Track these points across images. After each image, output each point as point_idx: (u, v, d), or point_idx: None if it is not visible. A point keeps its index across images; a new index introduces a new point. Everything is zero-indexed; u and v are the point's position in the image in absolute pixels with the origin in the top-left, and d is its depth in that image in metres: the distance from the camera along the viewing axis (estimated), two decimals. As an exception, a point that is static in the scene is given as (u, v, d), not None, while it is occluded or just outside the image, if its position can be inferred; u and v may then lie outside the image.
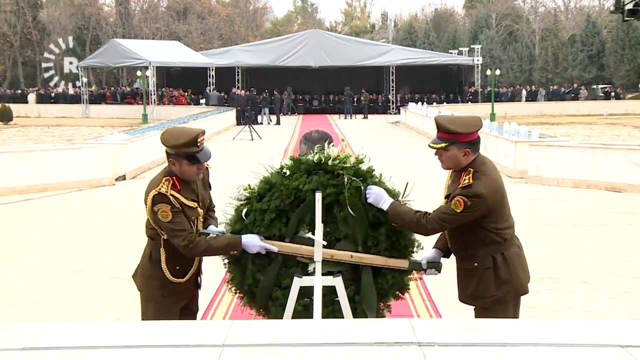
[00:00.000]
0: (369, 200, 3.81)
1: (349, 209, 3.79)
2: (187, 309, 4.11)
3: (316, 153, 3.87)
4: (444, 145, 3.82)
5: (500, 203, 3.87)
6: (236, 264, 3.89)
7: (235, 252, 3.82)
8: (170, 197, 3.79)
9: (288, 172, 3.85)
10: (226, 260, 3.94)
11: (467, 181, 3.77)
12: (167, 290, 3.94)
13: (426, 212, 3.88)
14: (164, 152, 3.91)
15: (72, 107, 44.42)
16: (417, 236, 3.95)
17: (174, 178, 3.85)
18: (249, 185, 3.90)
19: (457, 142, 3.79)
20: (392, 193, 3.89)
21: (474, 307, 4.00)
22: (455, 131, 3.79)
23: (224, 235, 3.88)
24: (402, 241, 3.86)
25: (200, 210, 3.98)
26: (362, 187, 3.81)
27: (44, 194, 13.24)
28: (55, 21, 64.02)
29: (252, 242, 3.81)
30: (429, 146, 3.91)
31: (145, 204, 3.84)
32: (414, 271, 3.95)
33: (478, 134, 3.88)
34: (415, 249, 3.93)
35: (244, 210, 3.85)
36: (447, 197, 3.90)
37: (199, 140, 3.82)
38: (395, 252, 3.86)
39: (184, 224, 3.81)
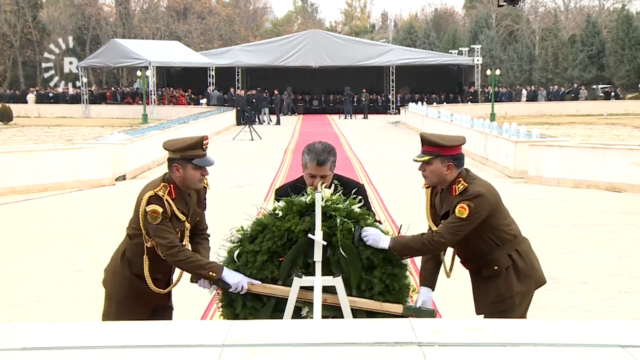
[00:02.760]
0: (368, 243, 3.78)
1: (342, 251, 3.77)
2: (161, 308, 4.09)
3: (309, 194, 3.86)
4: (427, 158, 3.86)
5: (499, 199, 3.93)
6: (229, 307, 3.87)
7: (214, 274, 3.75)
8: (165, 201, 3.80)
9: (280, 214, 3.83)
10: (220, 304, 3.93)
11: (461, 187, 3.81)
12: (133, 292, 3.91)
13: (430, 230, 3.89)
14: (167, 159, 3.90)
15: (72, 107, 44.41)
16: (411, 280, 3.93)
17: (172, 186, 3.85)
18: (242, 226, 3.89)
19: (440, 154, 3.84)
20: (387, 234, 3.87)
21: (495, 310, 3.93)
22: (438, 143, 3.86)
23: (204, 261, 3.85)
24: (396, 285, 3.82)
25: (188, 225, 3.96)
26: (354, 229, 3.79)
27: (44, 194, 13.24)
28: (55, 21, 63.96)
29: (234, 273, 3.77)
30: (414, 160, 3.94)
31: (138, 204, 3.84)
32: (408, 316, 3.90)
33: (461, 150, 3.93)
34: (409, 293, 3.90)
35: (236, 252, 3.84)
36: (444, 215, 3.90)
37: (204, 143, 3.86)
38: (390, 296, 3.82)
39: (171, 229, 3.80)
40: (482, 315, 4.00)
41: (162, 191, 3.81)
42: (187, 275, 3.99)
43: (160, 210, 3.77)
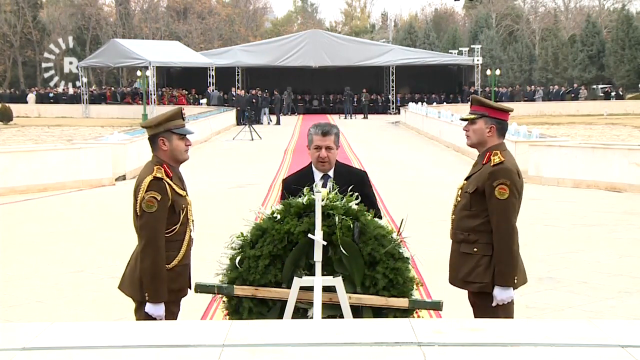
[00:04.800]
0: (503, 303, 3.89)
1: (342, 249, 3.78)
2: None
3: (306, 195, 3.87)
4: (473, 117, 4.04)
5: (521, 187, 4.00)
6: (235, 313, 3.89)
7: (147, 298, 3.83)
8: (166, 184, 3.85)
9: (279, 217, 3.85)
10: (226, 311, 3.95)
11: (497, 159, 3.91)
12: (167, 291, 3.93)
13: (492, 231, 3.90)
14: (149, 139, 4.00)
15: (72, 107, 44.40)
16: (414, 273, 3.97)
17: (164, 166, 3.91)
18: (241, 232, 3.91)
19: (485, 115, 4.01)
20: (385, 230, 3.88)
21: (467, 290, 4.08)
22: (486, 103, 4.06)
23: (163, 283, 3.84)
24: (400, 279, 3.83)
25: (189, 199, 4.03)
26: (353, 226, 3.79)
27: (44, 194, 13.24)
28: (55, 21, 63.97)
29: (158, 307, 3.83)
30: (460, 119, 4.17)
31: (136, 194, 3.87)
32: (415, 309, 3.91)
33: (507, 119, 4.09)
34: (414, 286, 3.91)
35: (238, 258, 3.86)
36: (467, 178, 4.06)
37: (183, 112, 4.05)
38: (395, 290, 3.82)
39: (162, 223, 3.82)
40: (470, 304, 4.09)
41: (159, 173, 3.86)
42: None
43: (159, 197, 3.81)
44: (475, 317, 4.01)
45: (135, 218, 3.94)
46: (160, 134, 3.94)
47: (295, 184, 4.17)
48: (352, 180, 4.15)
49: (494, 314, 3.86)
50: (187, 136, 4.00)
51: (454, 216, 4.10)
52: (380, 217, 4.10)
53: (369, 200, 4.15)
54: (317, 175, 4.30)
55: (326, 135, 4.23)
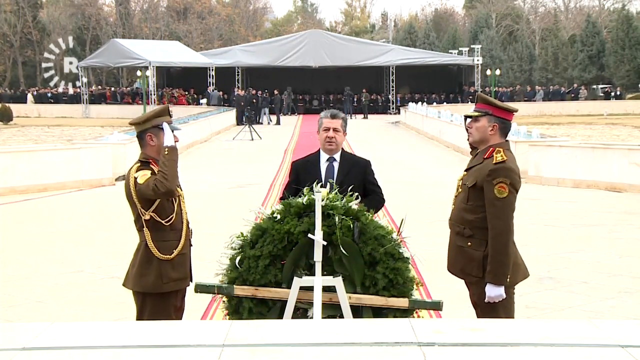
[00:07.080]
0: (494, 300, 3.88)
1: (342, 249, 3.78)
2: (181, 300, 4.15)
3: (306, 195, 3.88)
4: (477, 114, 4.05)
5: (519, 186, 4.00)
6: (235, 313, 3.90)
7: (167, 151, 3.90)
8: (152, 168, 3.93)
9: (279, 217, 3.87)
10: (226, 312, 3.96)
11: (500, 157, 3.90)
12: (165, 278, 3.95)
13: (487, 228, 3.90)
14: (137, 136, 4.07)
15: (72, 107, 44.42)
16: (415, 273, 3.99)
17: (152, 161, 3.99)
18: (241, 232, 3.92)
19: (489, 113, 4.02)
20: (385, 230, 3.88)
21: (464, 280, 4.11)
22: (490, 102, 4.07)
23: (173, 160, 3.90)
24: (400, 279, 3.84)
25: (181, 192, 4.09)
26: (353, 226, 3.81)
27: (44, 194, 13.24)
28: (55, 21, 64.01)
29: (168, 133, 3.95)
30: (464, 116, 4.17)
31: (127, 184, 3.93)
32: (415, 310, 3.92)
33: (511, 119, 4.10)
34: (414, 286, 3.92)
35: (238, 259, 3.87)
36: (467, 169, 4.07)
37: (170, 109, 4.18)
38: (395, 290, 3.84)
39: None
40: (469, 300, 4.10)
41: (144, 161, 3.97)
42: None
43: (149, 172, 3.89)
44: (478, 317, 4.01)
45: (132, 208, 3.99)
46: (148, 130, 4.02)
47: (303, 166, 4.58)
48: (356, 166, 4.59)
49: (495, 314, 3.86)
50: (175, 132, 4.05)
51: (453, 206, 4.13)
52: (382, 200, 4.57)
53: (373, 185, 4.60)
54: (324, 157, 4.61)
55: (334, 118, 4.62)
